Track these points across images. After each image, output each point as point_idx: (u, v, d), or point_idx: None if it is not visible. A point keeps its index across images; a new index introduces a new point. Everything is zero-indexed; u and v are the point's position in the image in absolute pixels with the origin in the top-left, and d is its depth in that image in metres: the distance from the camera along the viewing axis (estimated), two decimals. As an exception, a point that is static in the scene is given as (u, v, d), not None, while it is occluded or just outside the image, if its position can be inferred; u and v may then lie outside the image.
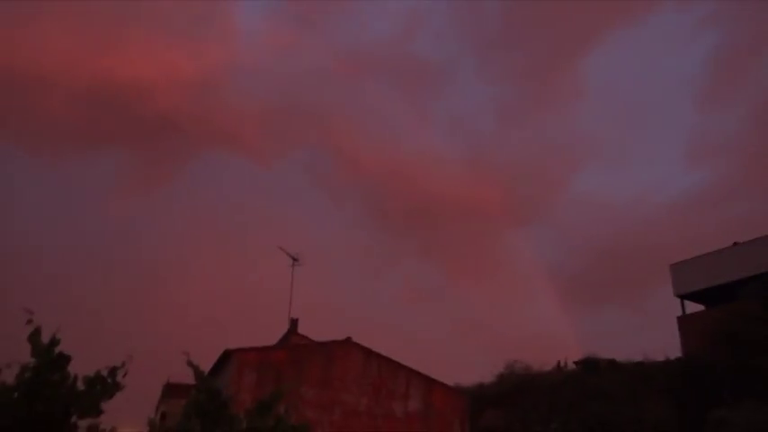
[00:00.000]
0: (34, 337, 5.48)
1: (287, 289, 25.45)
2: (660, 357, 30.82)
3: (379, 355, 22.06)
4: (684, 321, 30.86)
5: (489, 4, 70.42)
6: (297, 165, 59.72)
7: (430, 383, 22.65)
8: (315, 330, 24.61)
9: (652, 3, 69.60)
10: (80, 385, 5.71)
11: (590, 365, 33.21)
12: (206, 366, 7.07)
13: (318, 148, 61.98)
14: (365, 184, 60.23)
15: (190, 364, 5.96)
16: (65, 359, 5.59)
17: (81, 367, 5.78)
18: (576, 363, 35.38)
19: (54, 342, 5.59)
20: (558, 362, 37.18)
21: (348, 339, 21.82)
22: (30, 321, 5.44)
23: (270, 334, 26.18)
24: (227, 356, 20.37)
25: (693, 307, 32.38)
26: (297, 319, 24.77)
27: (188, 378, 6.75)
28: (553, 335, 46.94)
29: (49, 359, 5.48)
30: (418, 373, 22.55)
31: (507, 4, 68.26)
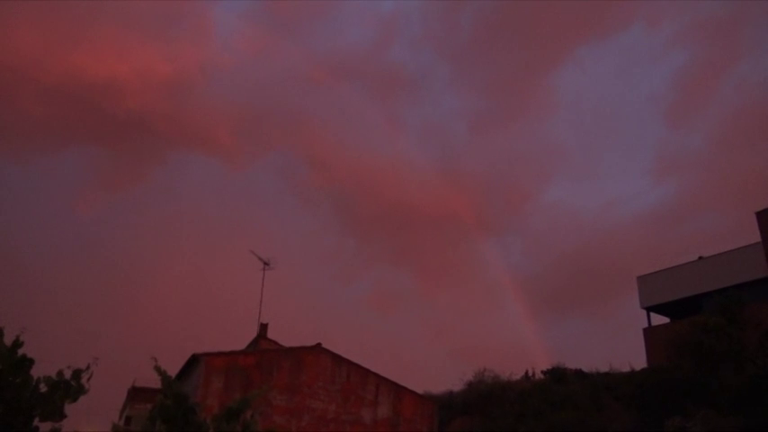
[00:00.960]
0: (-3, 338, 5.38)
1: (258, 293, 25.28)
2: (626, 368, 31.35)
3: (348, 362, 22.01)
4: (650, 333, 31.40)
5: (464, 15, 71.21)
6: (270, 168, 59.47)
7: (399, 390, 22.67)
8: (284, 335, 24.49)
9: (623, 20, 71.05)
10: (43, 388, 5.62)
11: (557, 375, 33.62)
12: (173, 371, 7.00)
13: (292, 152, 61.88)
14: (337, 189, 60.21)
15: (157, 369, 5.89)
16: (28, 362, 5.50)
17: (47, 369, 5.69)
18: (543, 372, 35.77)
19: (17, 344, 5.49)
20: (527, 371, 37.57)
21: (318, 345, 21.73)
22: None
23: (239, 338, 25.98)
24: (194, 361, 20.13)
25: (659, 319, 33.00)
26: (266, 324, 24.62)
27: (154, 382, 6.68)
28: (522, 344, 47.39)
29: (11, 362, 5.39)
30: (387, 380, 22.55)
31: (481, 16, 69.08)
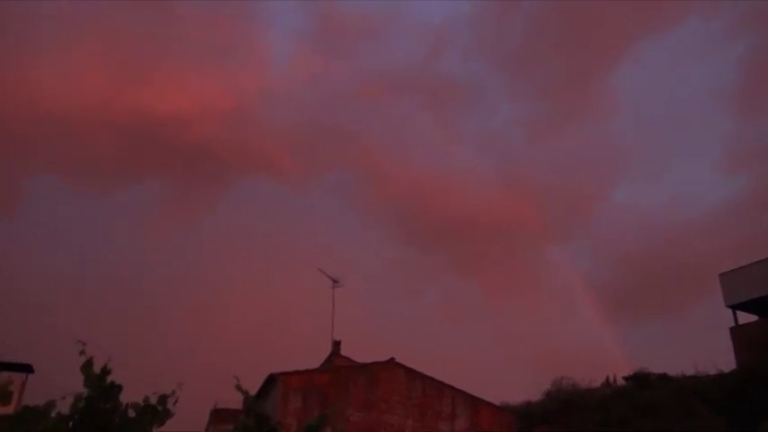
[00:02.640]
0: (86, 367, 5.64)
1: (328, 311, 25.53)
2: (713, 370, 29.87)
3: (423, 375, 21.91)
4: (738, 332, 29.84)
5: (513, 21, 70.44)
6: (330, 187, 60.23)
7: (476, 403, 22.37)
8: (357, 352, 24.60)
9: (679, 12, 68.47)
10: (131, 413, 5.83)
11: (640, 380, 32.34)
12: (251, 391, 7.15)
13: (350, 169, 62.51)
14: (398, 203, 60.36)
15: (239, 388, 6.03)
16: (116, 388, 5.73)
17: (133, 393, 5.91)
18: (625, 378, 34.49)
19: (105, 371, 5.74)
20: (607, 377, 36.34)
21: (391, 360, 21.75)
22: (82, 353, 5.61)
23: (313, 357, 26.27)
24: (271, 380, 20.50)
25: (745, 317, 31.34)
26: (339, 341, 24.82)
27: (235, 403, 6.84)
28: (598, 350, 45.96)
29: (101, 389, 5.63)
30: (463, 393, 22.31)
31: (531, 20, 68.17)
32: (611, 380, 36.08)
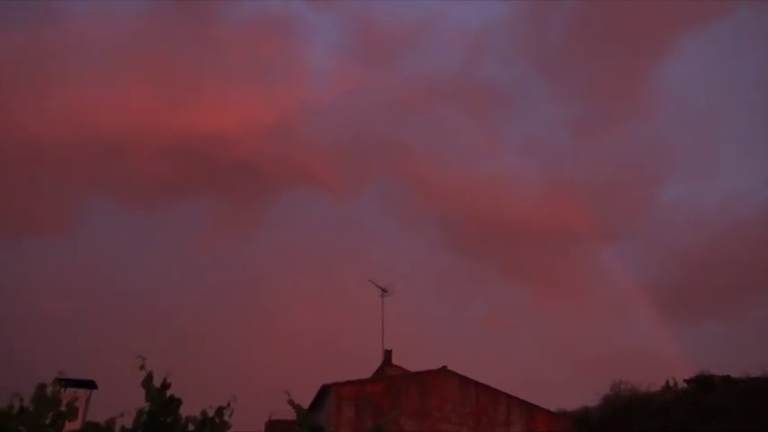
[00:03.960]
0: (147, 382, 5.80)
1: (378, 320, 25.58)
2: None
3: (476, 383, 21.71)
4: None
5: (552, 21, 69.38)
6: (374, 197, 60.45)
7: (531, 409, 22.02)
8: (408, 360, 24.54)
9: (727, 3, 66.21)
10: (191, 426, 5.98)
11: (703, 383, 31.26)
12: (304, 401, 7.22)
13: (393, 178, 62.56)
14: (442, 210, 60.04)
15: (291, 403, 6.11)
16: (176, 402, 5.88)
17: (191, 407, 6.06)
18: (686, 381, 33.41)
19: (165, 386, 5.89)
20: (667, 381, 35.25)
21: (443, 368, 21.63)
22: (142, 367, 5.77)
23: (365, 366, 26.35)
24: (324, 391, 20.64)
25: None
26: (390, 351, 24.82)
27: (289, 414, 6.89)
28: (657, 352, 44.58)
29: (161, 402, 5.78)
30: (518, 399, 22.00)
31: (571, 20, 67.07)
32: (671, 383, 34.99)
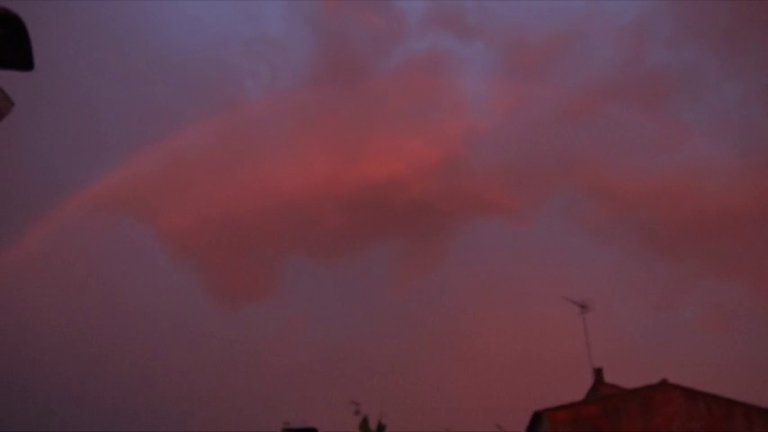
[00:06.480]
0: (363, 425, 6.05)
1: (579, 338, 24.54)
2: None
3: (704, 394, 19.85)
4: None
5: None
6: (554, 213, 58.48)
7: (777, 419, 19.59)
8: (621, 377, 23.13)
9: None
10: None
11: None
12: (515, 428, 7.07)
13: (572, 190, 60.11)
14: (630, 214, 56.39)
15: (504, 434, 6.03)
16: (392, 444, 6.07)
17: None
18: None
19: (380, 427, 6.10)
20: None
21: (664, 381, 20.09)
22: (357, 412, 6.04)
23: (573, 388, 25.28)
24: (537, 418, 20.11)
25: None
26: (601, 369, 23.56)
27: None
28: None
29: (377, 446, 6.00)
30: (759, 409, 19.71)
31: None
32: None
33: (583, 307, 24.85)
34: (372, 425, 6.12)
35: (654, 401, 19.74)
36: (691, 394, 19.78)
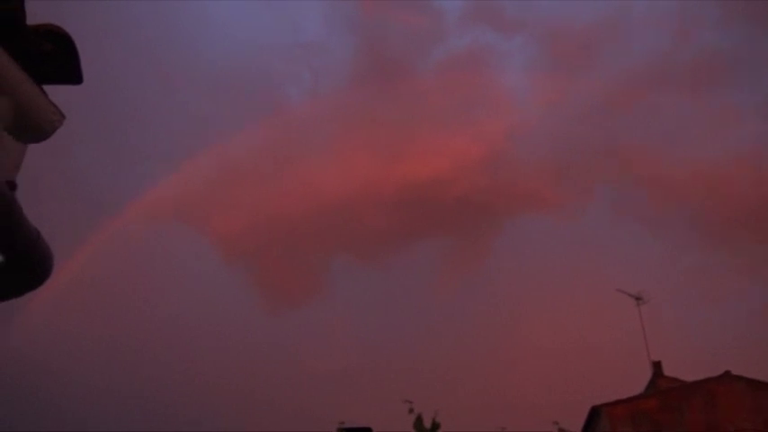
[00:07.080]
0: (418, 424, 6.02)
1: (636, 331, 23.92)
2: None
3: (769, 385, 19.15)
4: None
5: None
6: (602, 205, 57.25)
7: None
8: (681, 370, 22.45)
9: None
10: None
11: None
12: (572, 423, 6.93)
13: (620, 181, 58.76)
14: (680, 203, 54.72)
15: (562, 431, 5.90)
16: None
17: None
18: None
19: (435, 426, 6.06)
20: None
21: (727, 373, 19.41)
22: (411, 410, 6.01)
23: (631, 382, 24.67)
24: (595, 413, 19.70)
25: None
26: (659, 362, 22.92)
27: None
28: None
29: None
30: (829, 399, 18.88)
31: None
32: None
33: (638, 299, 24.21)
34: (426, 423, 6.08)
35: (717, 393, 19.09)
36: (756, 385, 19.08)
